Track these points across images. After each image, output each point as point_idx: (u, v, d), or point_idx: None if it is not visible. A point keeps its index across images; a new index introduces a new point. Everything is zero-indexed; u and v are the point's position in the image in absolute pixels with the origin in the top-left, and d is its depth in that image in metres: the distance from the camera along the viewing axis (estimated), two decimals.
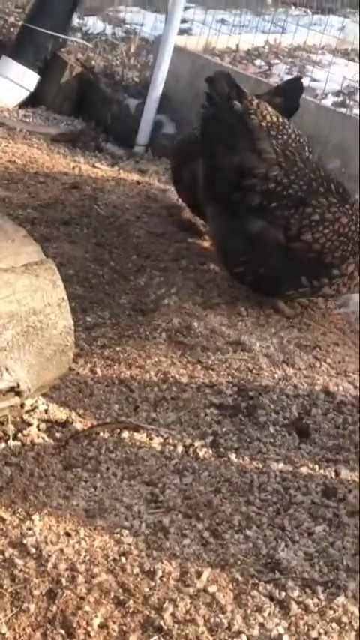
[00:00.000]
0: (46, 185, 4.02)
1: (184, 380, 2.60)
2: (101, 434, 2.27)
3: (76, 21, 5.39)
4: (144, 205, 4.01)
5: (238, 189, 3.02)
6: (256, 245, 3.07)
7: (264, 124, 3.02)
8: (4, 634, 1.63)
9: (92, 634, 1.64)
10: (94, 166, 4.46)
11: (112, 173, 4.41)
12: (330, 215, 3.00)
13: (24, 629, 1.65)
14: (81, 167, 4.41)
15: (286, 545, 1.94)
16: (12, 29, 5.26)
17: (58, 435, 2.24)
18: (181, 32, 5.06)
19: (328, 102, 4.71)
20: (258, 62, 5.24)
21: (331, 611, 1.77)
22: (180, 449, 2.27)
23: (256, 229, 3.05)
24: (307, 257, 3.03)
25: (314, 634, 1.71)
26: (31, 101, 5.04)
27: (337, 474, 2.25)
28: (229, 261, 3.24)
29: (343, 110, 4.56)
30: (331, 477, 2.24)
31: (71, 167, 4.38)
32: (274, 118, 3.07)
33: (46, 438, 2.21)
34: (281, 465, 2.24)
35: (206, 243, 3.69)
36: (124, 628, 1.67)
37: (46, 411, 2.30)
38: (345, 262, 3.03)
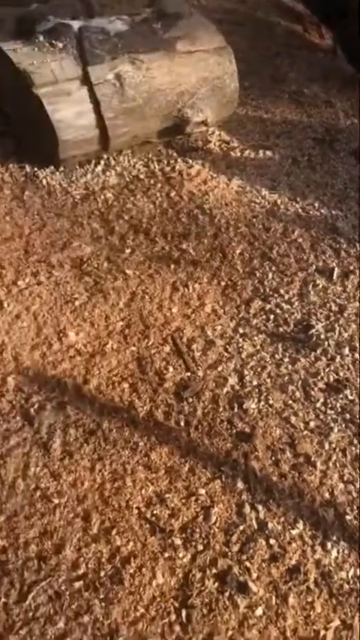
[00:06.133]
0: None
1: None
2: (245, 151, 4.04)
3: None
4: None
5: None
6: None
7: None
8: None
9: None
10: None
11: None
12: None
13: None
14: None
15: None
16: None
17: (224, 147, 4.00)
18: None
19: None
20: None
21: None
22: (289, 161, 3.99)
23: None
24: None
25: None
26: None
27: None
28: None
29: None
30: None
31: None
32: None
33: (217, 149, 3.98)
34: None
35: None
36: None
37: (219, 135, 4.04)
38: None
